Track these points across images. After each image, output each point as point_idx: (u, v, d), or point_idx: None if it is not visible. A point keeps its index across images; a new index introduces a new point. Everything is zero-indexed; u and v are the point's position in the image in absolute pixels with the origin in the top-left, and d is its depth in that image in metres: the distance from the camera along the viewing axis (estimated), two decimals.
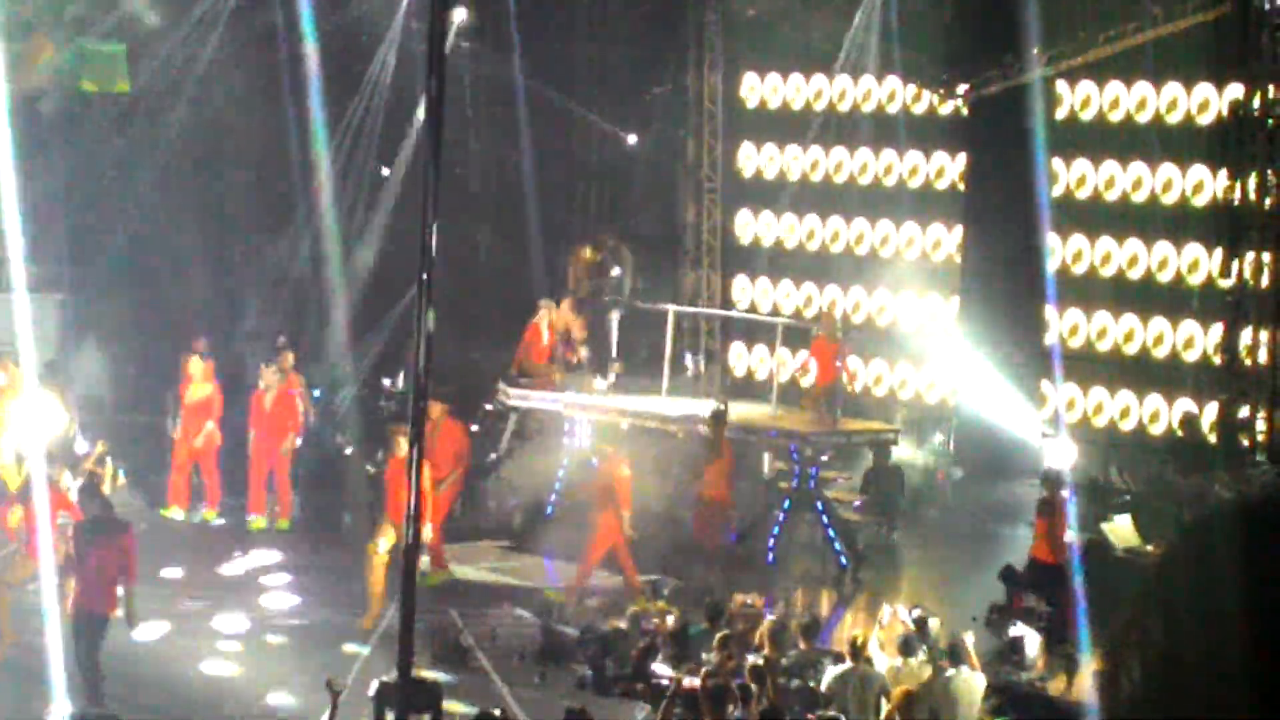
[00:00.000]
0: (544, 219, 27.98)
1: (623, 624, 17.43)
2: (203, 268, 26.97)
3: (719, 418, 21.68)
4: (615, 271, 25.35)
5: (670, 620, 17.48)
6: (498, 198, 28.88)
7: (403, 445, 19.10)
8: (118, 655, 15.91)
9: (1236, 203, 22.61)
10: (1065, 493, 20.11)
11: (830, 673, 15.69)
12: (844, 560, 21.79)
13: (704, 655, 16.09)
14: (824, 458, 22.86)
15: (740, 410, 23.79)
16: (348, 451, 24.66)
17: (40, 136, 24.97)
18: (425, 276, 10.17)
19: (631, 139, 28.27)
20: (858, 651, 15.62)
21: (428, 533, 18.47)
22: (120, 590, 15.50)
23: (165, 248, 26.80)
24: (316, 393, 24.93)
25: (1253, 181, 22.32)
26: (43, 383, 21.13)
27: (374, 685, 13.85)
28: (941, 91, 25.76)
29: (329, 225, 26.47)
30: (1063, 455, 22.70)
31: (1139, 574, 18.22)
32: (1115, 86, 24.85)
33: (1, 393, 21.37)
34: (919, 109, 26.71)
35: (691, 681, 15.07)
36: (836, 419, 23.08)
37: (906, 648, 16.06)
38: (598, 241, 25.67)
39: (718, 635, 16.60)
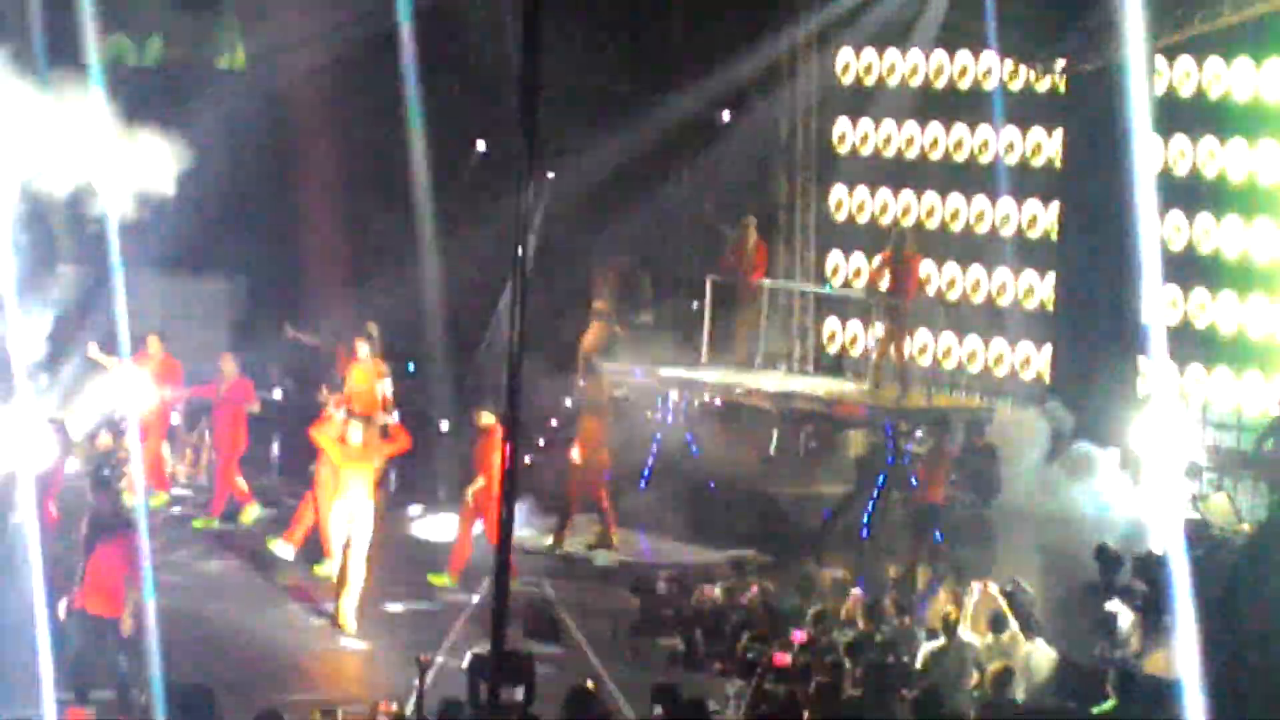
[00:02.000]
0: (637, 197, 27.98)
1: (716, 598, 17.46)
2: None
3: (594, 370, 21.88)
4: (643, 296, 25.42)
5: (761, 595, 17.50)
6: (588, 176, 28.92)
7: (483, 418, 19.30)
8: (207, 624, 16.02)
9: None
10: (954, 444, 21.02)
11: (924, 648, 15.69)
12: (938, 536, 21.73)
13: (796, 630, 16.11)
14: (917, 434, 22.80)
15: (832, 386, 23.79)
16: (444, 427, 24.71)
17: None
18: (520, 253, 10.28)
19: (725, 115, 28.19)
20: (951, 627, 15.61)
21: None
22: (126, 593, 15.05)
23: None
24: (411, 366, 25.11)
25: None
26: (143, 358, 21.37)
27: (468, 657, 14.01)
28: (1039, 67, 25.59)
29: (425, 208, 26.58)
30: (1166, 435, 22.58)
31: (1233, 553, 18.17)
32: (1215, 63, 24.62)
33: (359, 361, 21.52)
34: (1016, 85, 26.55)
35: (783, 657, 15.10)
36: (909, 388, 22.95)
37: (996, 624, 16.04)
38: (627, 267, 25.65)
39: (810, 610, 16.64)
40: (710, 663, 16.70)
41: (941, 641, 15.61)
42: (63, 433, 18.31)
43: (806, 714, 13.98)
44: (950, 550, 21.56)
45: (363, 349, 21.43)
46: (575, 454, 21.08)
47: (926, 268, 26.92)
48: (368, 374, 21.33)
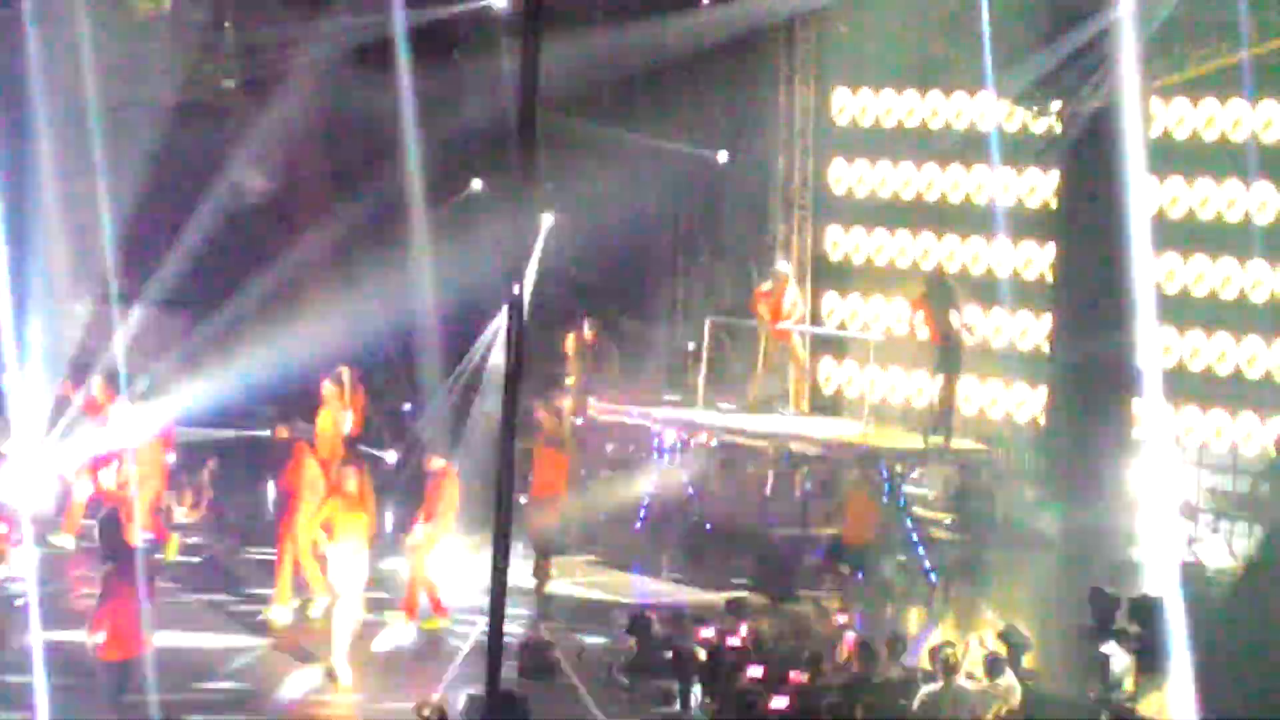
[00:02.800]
0: (634, 238, 27.99)
1: (712, 639, 17.43)
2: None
3: (558, 411, 21.81)
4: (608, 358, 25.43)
5: (757, 636, 17.47)
6: (588, 216, 28.93)
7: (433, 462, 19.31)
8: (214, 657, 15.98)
9: None
10: (878, 476, 21.07)
11: (922, 691, 15.65)
12: (933, 577, 21.72)
13: (792, 672, 16.08)
14: (914, 474, 22.80)
15: (829, 428, 23.81)
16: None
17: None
18: (517, 291, 10.29)
19: (722, 156, 28.23)
20: (950, 671, 15.57)
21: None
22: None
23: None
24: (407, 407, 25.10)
25: None
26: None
27: (463, 699, 13.99)
28: (1035, 109, 25.63)
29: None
30: (1161, 476, 22.59)
31: (1226, 594, 18.16)
32: (1210, 104, 24.70)
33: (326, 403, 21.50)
34: (1012, 126, 26.59)
35: (780, 699, 15.07)
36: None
37: (993, 669, 16.00)
38: (591, 325, 25.64)
39: (806, 652, 16.61)
40: (705, 704, 16.65)
41: (939, 685, 15.57)
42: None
43: None
44: (947, 591, 21.59)
45: (328, 389, 21.46)
46: (532, 488, 21.09)
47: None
48: (333, 417, 21.35)
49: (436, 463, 19.51)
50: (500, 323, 25.15)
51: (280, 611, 19.26)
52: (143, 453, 20.87)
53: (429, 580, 19.07)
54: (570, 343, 25.36)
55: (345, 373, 22.03)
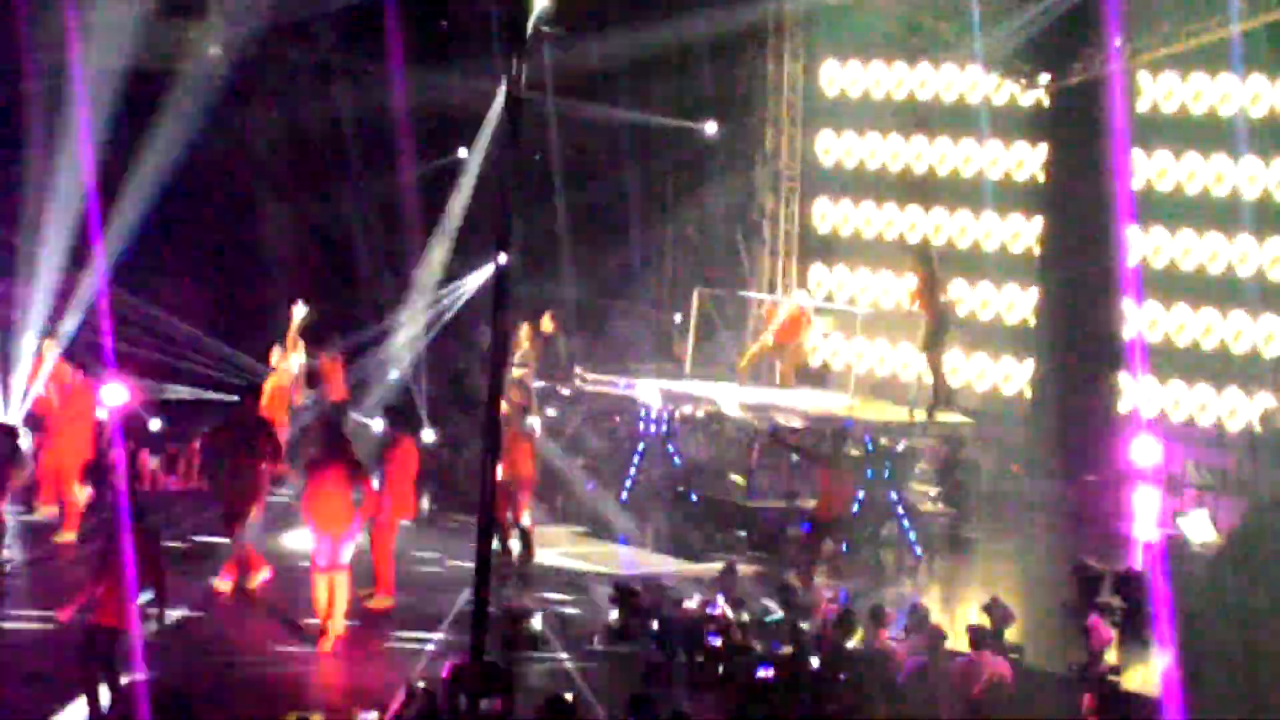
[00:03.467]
0: (622, 210, 27.98)
1: (696, 609, 17.43)
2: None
3: (524, 388, 21.75)
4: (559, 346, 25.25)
5: (742, 607, 17.49)
6: (575, 186, 28.89)
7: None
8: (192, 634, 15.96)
9: None
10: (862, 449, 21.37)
11: (909, 663, 15.65)
12: (918, 551, 21.74)
13: (776, 643, 16.10)
14: (899, 447, 22.81)
15: (817, 400, 23.80)
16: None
17: None
18: (502, 262, 10.29)
19: (709, 128, 28.18)
20: (937, 644, 15.58)
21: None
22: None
23: None
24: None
25: None
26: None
27: (446, 668, 13.97)
28: (1023, 82, 25.64)
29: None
30: (1147, 450, 22.59)
31: (1209, 568, 18.20)
32: (1199, 78, 24.70)
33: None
34: (1000, 99, 26.59)
35: (765, 670, 15.09)
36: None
37: (978, 639, 16.01)
38: (553, 315, 25.44)
39: (790, 623, 16.62)
40: (689, 674, 16.65)
41: (925, 657, 15.58)
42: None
43: None
44: (932, 564, 21.63)
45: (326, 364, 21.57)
46: (499, 471, 20.82)
47: (910, 281, 26.98)
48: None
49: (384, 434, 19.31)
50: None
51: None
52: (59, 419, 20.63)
53: (386, 556, 18.79)
54: (524, 332, 24.95)
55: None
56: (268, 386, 21.95)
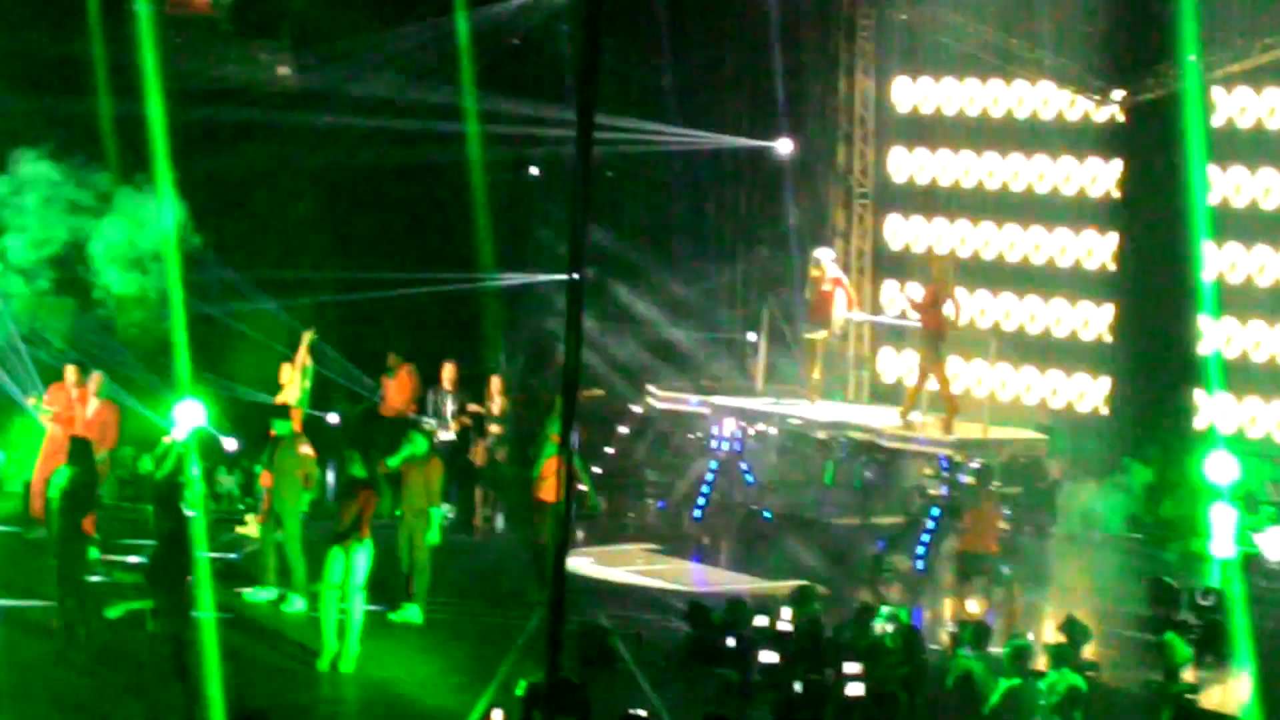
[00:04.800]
0: (695, 228, 28.04)
1: (771, 628, 17.42)
2: None
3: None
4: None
5: (816, 626, 17.45)
6: (648, 204, 29.01)
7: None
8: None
9: None
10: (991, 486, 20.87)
11: (1002, 686, 15.54)
12: (996, 577, 21.62)
13: (850, 663, 16.05)
14: (972, 465, 22.73)
15: (887, 419, 23.73)
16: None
17: None
18: (576, 276, 10.33)
19: (783, 145, 28.19)
20: (1023, 663, 15.46)
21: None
22: None
23: None
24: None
25: None
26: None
27: (522, 686, 14.01)
28: (1097, 98, 25.56)
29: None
30: (1224, 469, 22.39)
31: None
32: (1274, 94, 24.56)
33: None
34: (1073, 115, 26.51)
35: (855, 689, 15.07)
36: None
37: (1059, 658, 15.92)
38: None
39: (865, 643, 16.58)
40: (763, 693, 16.64)
41: (1013, 678, 15.46)
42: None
43: None
44: (1012, 583, 21.51)
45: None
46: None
47: (984, 298, 26.92)
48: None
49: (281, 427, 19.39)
50: None
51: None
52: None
53: (295, 554, 18.82)
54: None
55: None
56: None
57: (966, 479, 21.26)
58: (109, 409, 21.60)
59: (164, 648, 14.78)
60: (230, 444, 23.08)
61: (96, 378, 21.62)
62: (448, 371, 23.81)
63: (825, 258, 23.73)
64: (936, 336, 21.90)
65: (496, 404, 24.01)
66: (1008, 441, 22.88)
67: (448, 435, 23.34)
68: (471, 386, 24.00)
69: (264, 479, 19.38)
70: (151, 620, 14.88)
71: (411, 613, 18.43)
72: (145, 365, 22.94)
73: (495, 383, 24.02)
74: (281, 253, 26.12)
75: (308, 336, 21.16)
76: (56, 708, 15.18)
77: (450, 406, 23.75)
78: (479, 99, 26.17)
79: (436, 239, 27.11)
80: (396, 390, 24.12)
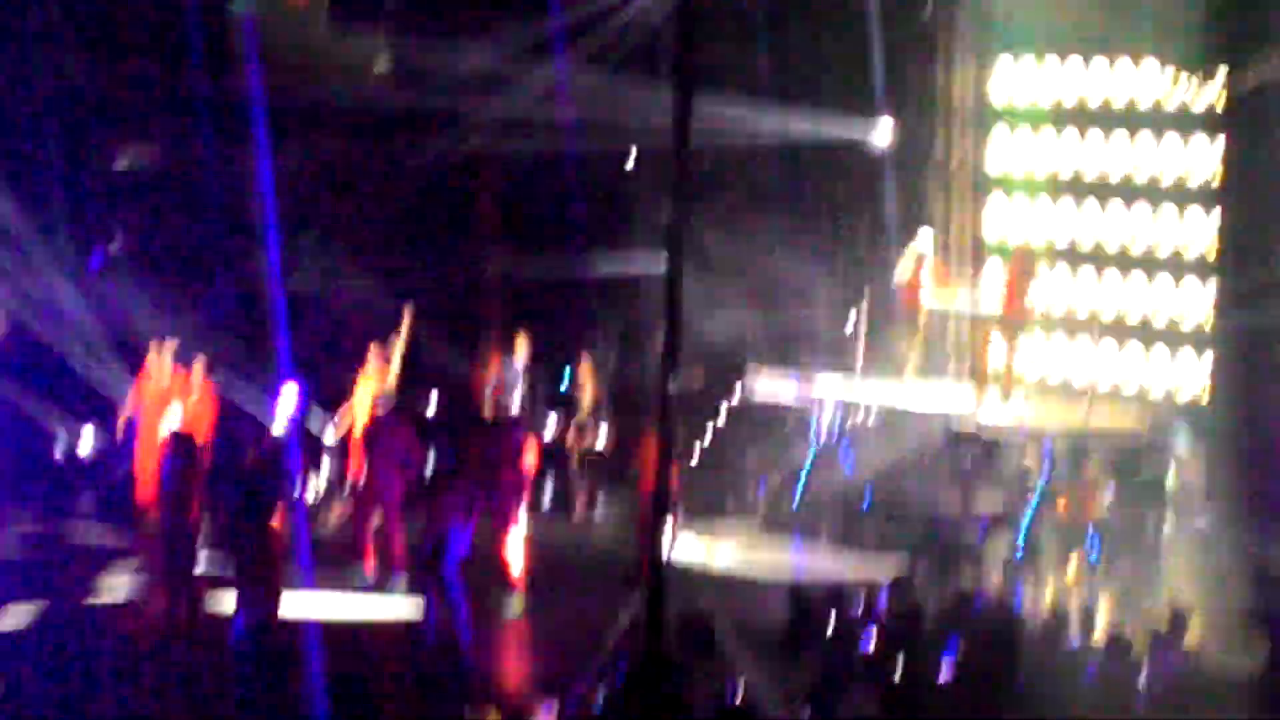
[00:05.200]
0: (794, 214, 27.97)
1: (870, 613, 17.38)
2: None
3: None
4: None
5: (916, 612, 17.39)
6: (746, 191, 28.91)
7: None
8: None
9: None
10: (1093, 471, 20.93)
11: (1104, 671, 15.48)
12: (1094, 557, 21.49)
13: (949, 651, 16.00)
14: (1076, 451, 22.56)
15: (987, 405, 23.66)
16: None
17: None
18: (674, 264, 10.31)
19: (882, 134, 28.05)
20: (1126, 650, 15.40)
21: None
22: None
23: None
24: None
25: None
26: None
27: (622, 671, 14.06)
28: (1200, 79, 25.27)
29: None
30: None
31: None
32: None
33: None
34: (1176, 97, 26.22)
35: (944, 675, 15.03)
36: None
37: (1156, 645, 15.81)
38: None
39: (968, 629, 16.52)
40: (863, 681, 16.59)
41: (1113, 663, 15.40)
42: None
43: None
44: (1111, 567, 21.36)
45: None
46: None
47: (1079, 284, 26.73)
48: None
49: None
50: None
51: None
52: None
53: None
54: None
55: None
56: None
57: (1068, 465, 21.14)
58: (209, 394, 21.64)
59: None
60: (329, 428, 23.24)
61: (201, 362, 21.60)
62: (521, 345, 23.73)
63: (922, 243, 23.62)
64: (1016, 325, 21.94)
65: (588, 390, 24.02)
66: (1112, 430, 22.67)
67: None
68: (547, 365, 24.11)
69: (358, 461, 19.50)
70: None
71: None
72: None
73: (586, 367, 24.02)
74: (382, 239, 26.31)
75: (408, 316, 21.25)
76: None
77: (521, 386, 23.65)
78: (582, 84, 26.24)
79: (536, 225, 27.23)
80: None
